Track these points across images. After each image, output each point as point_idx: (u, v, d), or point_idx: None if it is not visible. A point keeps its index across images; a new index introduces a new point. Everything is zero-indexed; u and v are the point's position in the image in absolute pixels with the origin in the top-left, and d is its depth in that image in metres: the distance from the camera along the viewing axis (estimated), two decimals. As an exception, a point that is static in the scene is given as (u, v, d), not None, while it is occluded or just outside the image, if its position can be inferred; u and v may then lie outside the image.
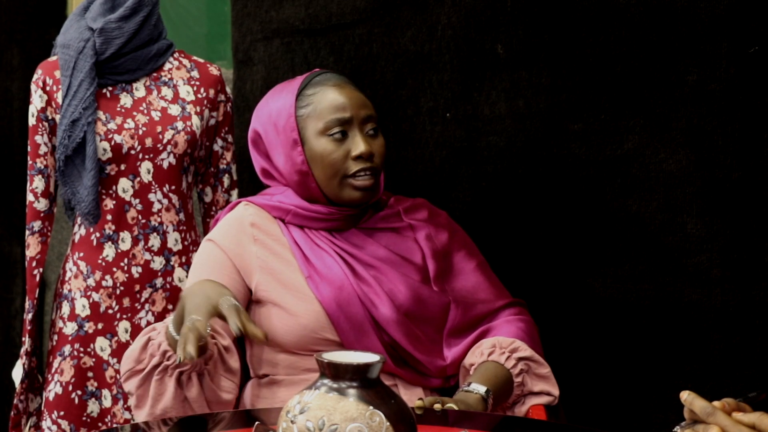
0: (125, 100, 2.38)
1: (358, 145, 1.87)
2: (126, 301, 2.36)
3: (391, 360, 1.87)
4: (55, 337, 2.39)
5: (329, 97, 1.89)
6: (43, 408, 2.38)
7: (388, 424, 1.18)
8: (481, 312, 1.96)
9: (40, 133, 2.38)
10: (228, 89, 2.50)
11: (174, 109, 2.39)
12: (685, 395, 1.25)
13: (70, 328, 2.36)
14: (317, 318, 1.85)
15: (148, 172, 2.35)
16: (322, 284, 1.86)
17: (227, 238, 1.91)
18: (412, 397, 1.87)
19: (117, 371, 2.35)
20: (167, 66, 2.44)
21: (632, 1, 2.19)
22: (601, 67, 2.25)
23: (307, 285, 1.87)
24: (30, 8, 3.65)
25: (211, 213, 2.51)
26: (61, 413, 2.34)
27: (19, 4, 3.63)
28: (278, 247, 1.91)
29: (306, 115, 1.90)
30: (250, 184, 2.78)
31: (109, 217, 2.34)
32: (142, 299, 2.37)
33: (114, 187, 2.34)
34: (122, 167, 2.34)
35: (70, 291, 2.38)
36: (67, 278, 2.40)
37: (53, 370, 2.37)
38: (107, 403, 2.36)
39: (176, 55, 2.47)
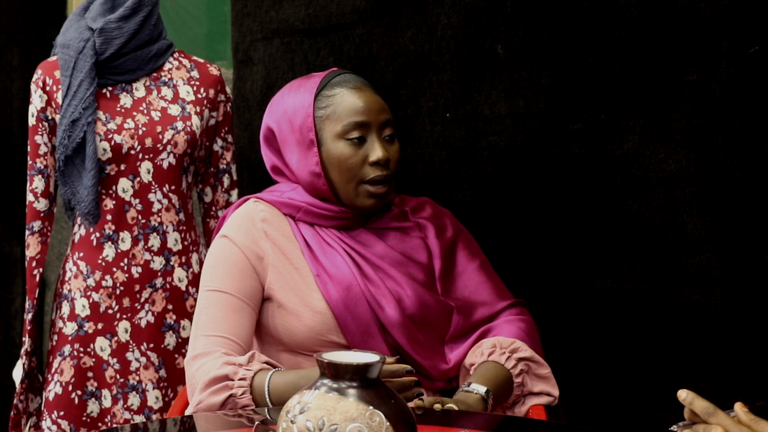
0: (125, 100, 2.38)
1: (375, 150, 1.86)
2: (126, 301, 2.36)
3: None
4: (55, 337, 2.39)
5: (349, 100, 1.88)
6: (43, 408, 2.38)
7: (388, 424, 1.18)
8: (483, 316, 1.96)
9: (40, 133, 2.38)
10: (228, 89, 2.50)
11: (174, 109, 2.39)
12: (684, 394, 1.25)
13: (70, 328, 2.36)
14: (324, 320, 1.85)
15: (148, 172, 2.35)
16: (330, 283, 1.86)
17: (241, 234, 1.90)
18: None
19: (117, 371, 2.35)
20: (167, 66, 2.44)
21: (632, 1, 2.19)
22: (601, 67, 2.25)
23: (315, 286, 1.87)
24: (30, 8, 3.65)
25: (211, 213, 2.50)
26: (61, 413, 2.34)
27: (19, 4, 3.63)
28: (287, 245, 1.90)
29: (325, 116, 1.88)
30: (250, 184, 2.78)
31: (109, 217, 2.34)
32: (142, 299, 2.37)
33: (114, 187, 2.34)
34: (122, 167, 2.34)
35: (70, 291, 2.38)
36: (67, 278, 2.40)
37: (53, 370, 2.37)
38: (107, 403, 2.36)
39: (176, 55, 2.47)
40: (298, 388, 1.63)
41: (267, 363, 1.77)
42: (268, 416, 1.63)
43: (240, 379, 1.72)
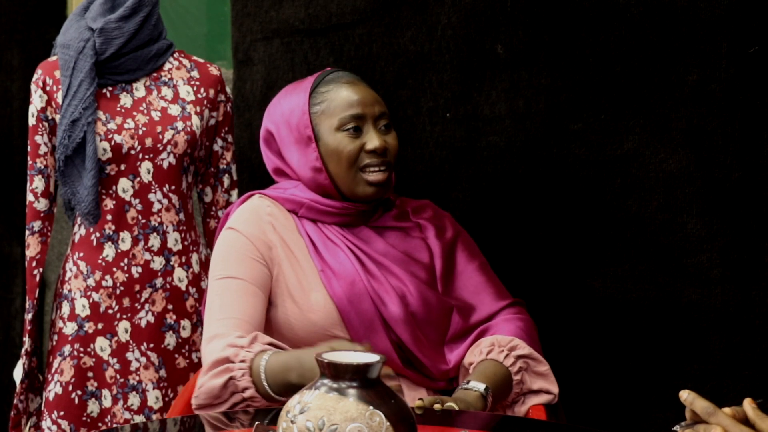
0: (125, 100, 2.38)
1: (372, 139, 1.89)
2: (126, 301, 2.36)
3: (398, 360, 1.87)
4: (55, 337, 2.39)
5: (342, 95, 1.91)
6: (43, 408, 2.38)
7: (388, 424, 1.18)
8: (481, 317, 1.97)
9: (40, 133, 2.38)
10: (228, 89, 2.50)
11: (174, 109, 2.39)
12: (685, 395, 1.25)
13: (70, 328, 2.36)
14: (328, 315, 1.86)
15: (148, 172, 2.35)
16: (334, 279, 1.87)
17: (249, 225, 1.91)
18: (415, 398, 1.87)
19: (117, 371, 2.35)
20: (167, 66, 2.44)
21: (632, 1, 2.19)
22: (601, 67, 2.25)
23: (319, 280, 1.88)
24: (30, 8, 3.65)
25: (211, 213, 2.50)
26: (61, 413, 2.34)
27: (19, 4, 3.63)
28: (292, 240, 1.92)
29: (320, 112, 1.91)
30: (250, 184, 2.78)
31: (109, 217, 2.34)
32: (142, 299, 2.37)
33: (114, 187, 2.34)
34: (122, 167, 2.34)
35: (70, 291, 2.38)
36: (67, 278, 2.40)
37: (53, 370, 2.37)
38: (107, 403, 2.36)
39: (176, 55, 2.47)
40: (289, 368, 1.66)
41: (271, 344, 1.77)
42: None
43: (240, 361, 1.73)
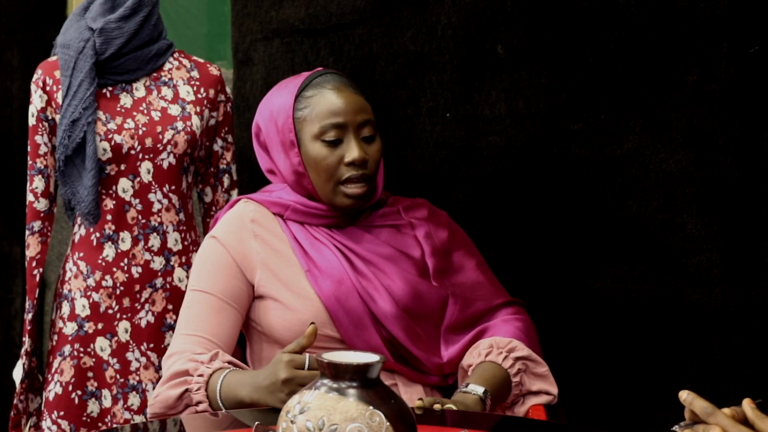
0: (125, 100, 2.38)
1: (351, 151, 1.87)
2: (126, 301, 2.36)
3: (390, 356, 1.87)
4: (55, 337, 2.39)
5: (326, 101, 1.88)
6: (43, 408, 2.38)
7: (388, 424, 1.18)
8: (480, 309, 1.96)
9: (40, 133, 2.38)
10: (228, 89, 2.50)
11: (174, 109, 2.39)
12: (685, 395, 1.25)
13: (70, 328, 2.36)
14: (316, 314, 1.85)
15: (148, 172, 2.35)
16: (321, 278, 1.87)
17: (229, 235, 1.92)
18: (412, 394, 1.87)
19: (117, 371, 2.35)
20: (167, 66, 2.44)
21: (632, 1, 2.19)
22: (601, 67, 2.25)
23: (306, 281, 1.88)
24: (30, 8, 3.65)
25: (211, 213, 2.51)
26: (61, 413, 2.34)
27: (19, 4, 3.63)
28: (278, 243, 1.92)
29: (303, 117, 1.90)
30: (250, 184, 2.78)
31: (109, 217, 2.34)
32: (142, 299, 2.37)
33: (114, 187, 2.34)
34: (122, 167, 2.34)
35: (70, 291, 2.38)
36: (67, 278, 2.40)
37: (53, 370, 2.37)
38: (107, 403, 2.36)
39: (176, 55, 2.47)
40: (242, 385, 1.67)
41: (230, 363, 1.79)
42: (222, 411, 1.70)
43: (198, 375, 1.75)
